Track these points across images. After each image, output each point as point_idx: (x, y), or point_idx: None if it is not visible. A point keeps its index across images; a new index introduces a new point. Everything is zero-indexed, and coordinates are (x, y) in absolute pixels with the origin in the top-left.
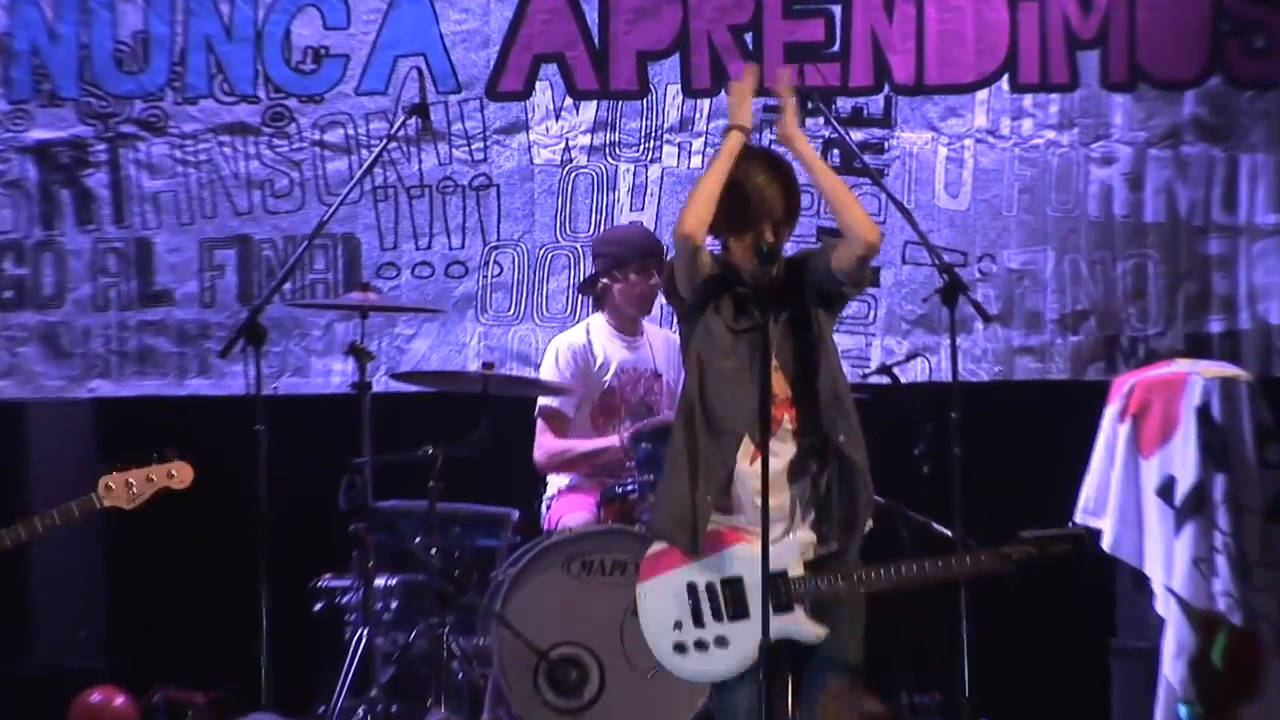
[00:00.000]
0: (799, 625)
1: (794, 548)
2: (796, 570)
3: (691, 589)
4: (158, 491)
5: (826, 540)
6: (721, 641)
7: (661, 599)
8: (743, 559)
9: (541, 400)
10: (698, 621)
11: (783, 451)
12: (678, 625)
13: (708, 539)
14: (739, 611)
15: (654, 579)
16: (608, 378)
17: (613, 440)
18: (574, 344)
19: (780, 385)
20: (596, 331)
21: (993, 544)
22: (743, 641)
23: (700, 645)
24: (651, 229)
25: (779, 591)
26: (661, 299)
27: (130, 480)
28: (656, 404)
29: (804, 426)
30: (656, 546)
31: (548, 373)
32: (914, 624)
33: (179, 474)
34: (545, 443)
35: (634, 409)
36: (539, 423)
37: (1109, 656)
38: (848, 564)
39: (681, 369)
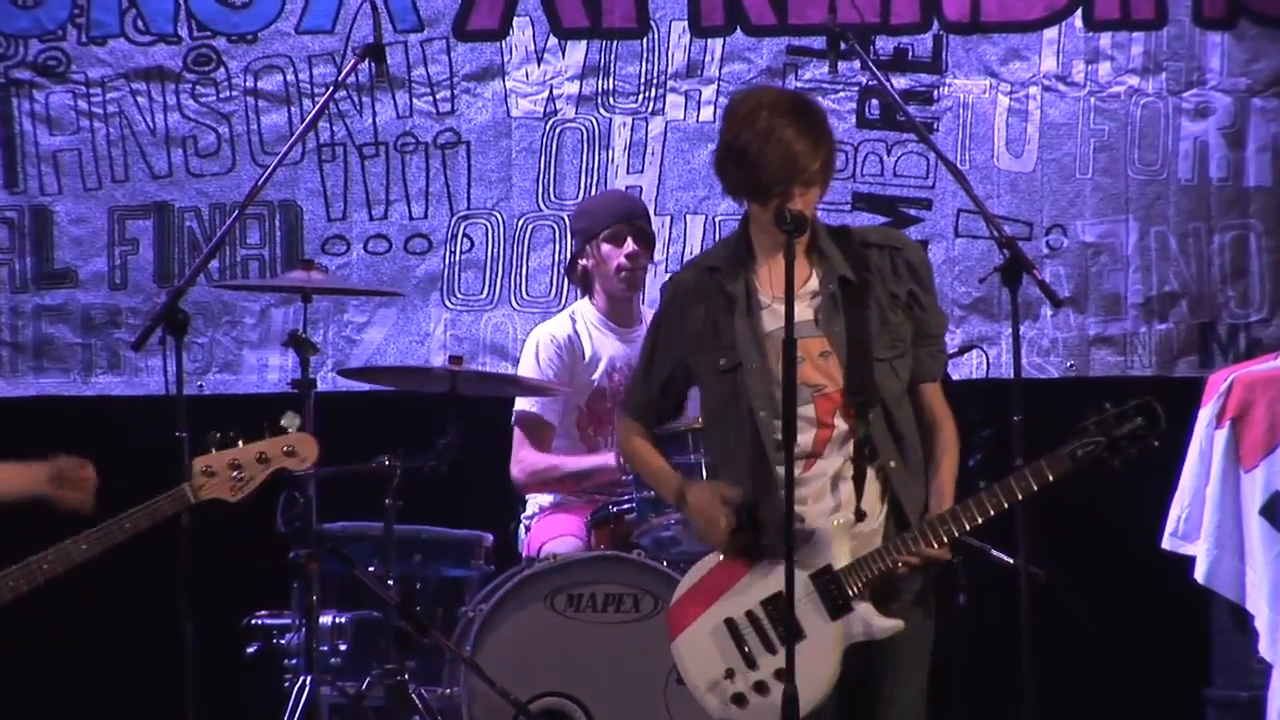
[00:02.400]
0: (870, 622)
1: (835, 533)
2: (843, 559)
3: (732, 626)
4: (270, 476)
5: (875, 529)
6: (782, 675)
7: (703, 649)
8: (775, 570)
9: (519, 405)
10: (750, 663)
11: (829, 467)
12: (729, 674)
13: (727, 564)
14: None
15: (687, 630)
16: (597, 375)
17: (608, 458)
18: (557, 335)
19: (829, 370)
20: (584, 320)
21: (1062, 579)
22: (807, 665)
23: (760, 688)
24: (653, 195)
25: (830, 591)
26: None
27: (235, 462)
28: None
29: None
30: (680, 591)
31: (527, 370)
32: (970, 668)
33: (302, 450)
34: (525, 457)
35: None
36: (516, 432)
37: (1204, 708)
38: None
39: None
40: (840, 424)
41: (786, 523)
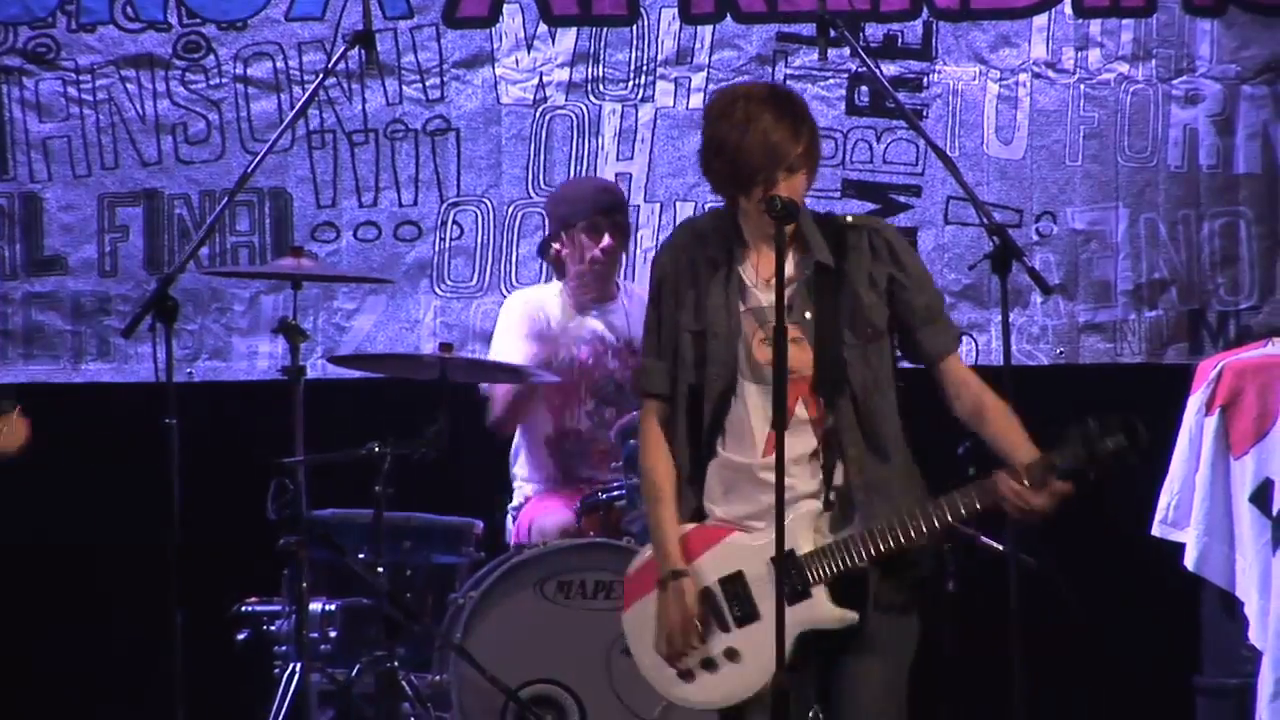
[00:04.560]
0: (822, 612)
1: (800, 520)
2: (807, 545)
3: None
4: None
5: (841, 519)
6: (732, 655)
7: (652, 623)
8: (737, 549)
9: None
10: (700, 637)
11: (796, 443)
12: None
13: (690, 540)
14: (746, 614)
15: (639, 602)
16: (569, 348)
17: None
18: (530, 300)
19: (800, 356)
20: (555, 298)
21: (1051, 566)
22: (759, 648)
23: (709, 665)
24: (643, 182)
25: (790, 575)
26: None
27: None
28: (628, 383)
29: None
30: (636, 562)
31: (500, 335)
32: (961, 654)
33: (12, 431)
34: (495, 398)
35: (599, 387)
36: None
37: (1194, 695)
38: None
39: None
40: (801, 411)
41: (778, 499)
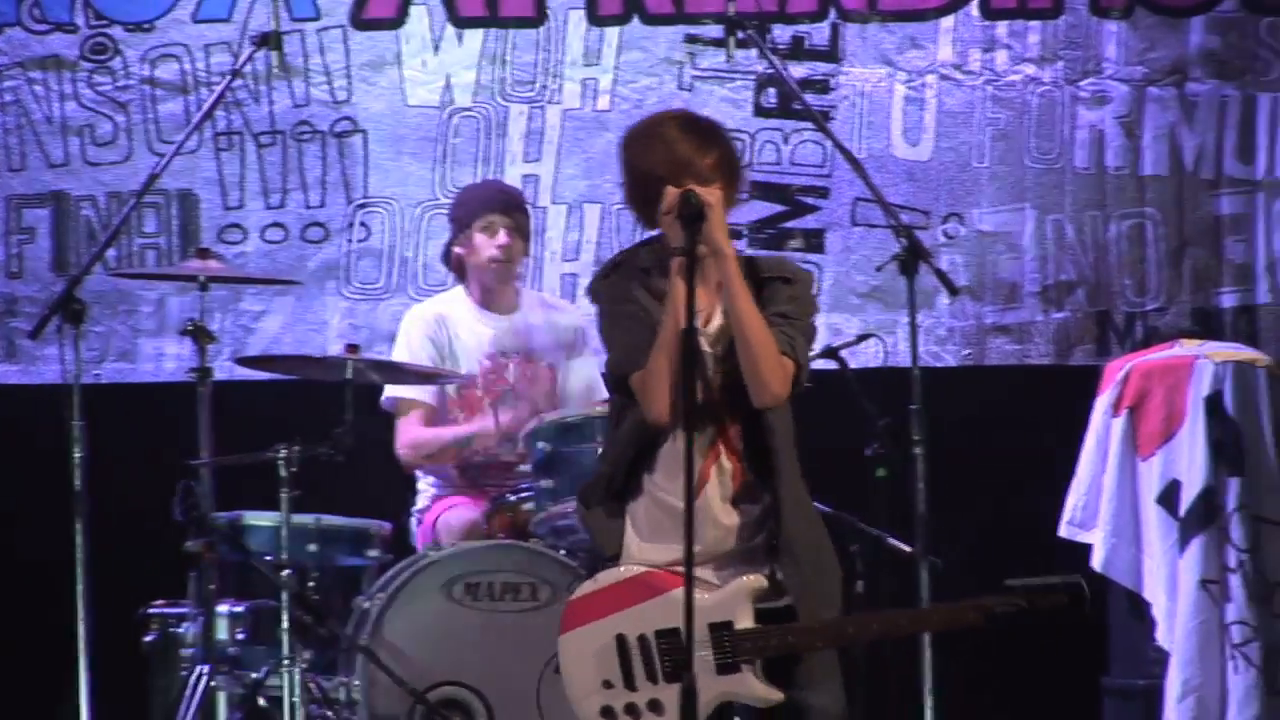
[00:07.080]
0: (747, 688)
1: (743, 594)
2: (745, 622)
3: (621, 642)
4: None
5: (781, 589)
6: (655, 707)
7: (588, 652)
8: (680, 606)
9: (390, 390)
10: (628, 683)
11: (724, 475)
12: (606, 684)
13: (640, 582)
14: (677, 670)
15: (579, 629)
16: (471, 361)
17: (486, 422)
18: (427, 317)
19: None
20: (457, 304)
21: (960, 567)
22: (677, 706)
23: (631, 710)
24: (550, 184)
25: (724, 646)
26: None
27: None
28: (530, 396)
29: (748, 453)
30: (583, 589)
31: (400, 353)
32: (870, 660)
33: None
34: (406, 433)
35: (501, 399)
36: (397, 414)
37: (1101, 696)
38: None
39: (568, 349)
40: (725, 462)
41: (686, 532)
